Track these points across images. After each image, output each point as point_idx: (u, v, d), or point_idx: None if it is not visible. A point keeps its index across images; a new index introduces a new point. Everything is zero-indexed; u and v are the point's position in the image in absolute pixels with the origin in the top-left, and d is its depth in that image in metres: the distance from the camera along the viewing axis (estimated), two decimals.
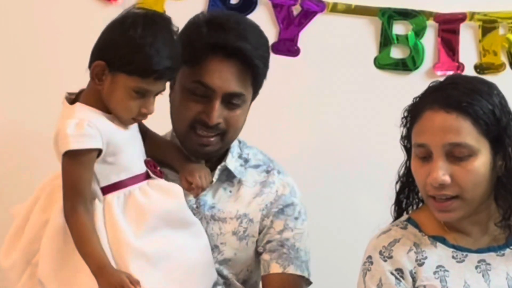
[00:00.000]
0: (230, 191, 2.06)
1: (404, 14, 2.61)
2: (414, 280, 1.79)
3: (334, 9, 2.60)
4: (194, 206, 2.03)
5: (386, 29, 2.61)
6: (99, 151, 1.85)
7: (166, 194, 1.93)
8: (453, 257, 1.81)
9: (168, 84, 1.96)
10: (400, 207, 1.92)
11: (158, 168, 1.97)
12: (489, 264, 1.81)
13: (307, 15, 2.62)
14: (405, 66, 2.63)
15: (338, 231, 2.61)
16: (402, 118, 1.86)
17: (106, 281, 1.80)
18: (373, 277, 1.80)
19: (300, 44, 2.63)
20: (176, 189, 1.94)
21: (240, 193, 2.06)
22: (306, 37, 2.63)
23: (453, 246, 1.82)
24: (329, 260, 2.52)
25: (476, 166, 1.74)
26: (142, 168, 1.93)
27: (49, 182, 1.95)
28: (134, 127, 1.95)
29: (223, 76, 1.95)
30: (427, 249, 1.81)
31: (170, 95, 2.06)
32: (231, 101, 1.98)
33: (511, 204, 1.78)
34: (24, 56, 2.56)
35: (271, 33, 2.60)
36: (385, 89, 2.63)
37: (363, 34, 2.62)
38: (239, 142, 2.12)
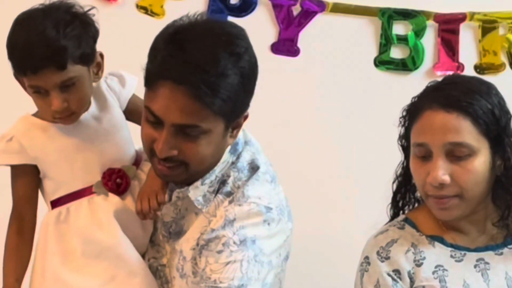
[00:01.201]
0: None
1: (404, 14, 2.61)
2: (412, 280, 1.78)
3: (334, 9, 2.61)
4: (166, 234, 1.90)
5: (386, 29, 2.62)
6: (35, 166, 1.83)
7: (94, 218, 1.83)
8: (451, 256, 1.81)
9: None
10: (396, 207, 1.92)
11: (118, 180, 1.86)
12: (487, 263, 1.80)
13: (307, 15, 2.62)
14: (405, 66, 2.63)
15: (337, 230, 2.61)
16: (400, 117, 1.86)
17: None
18: (371, 278, 1.79)
19: (300, 44, 2.63)
20: (111, 221, 1.83)
21: (197, 222, 1.84)
22: (306, 37, 2.64)
23: (451, 245, 1.81)
24: (327, 260, 2.52)
25: (476, 166, 1.74)
26: (88, 181, 1.85)
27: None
28: (99, 130, 1.87)
29: (172, 106, 1.69)
30: (425, 249, 1.80)
31: None
32: (186, 131, 1.72)
33: (509, 204, 1.78)
34: None
35: (271, 33, 2.61)
36: (385, 89, 2.63)
37: (363, 34, 2.63)
38: (236, 159, 1.87)
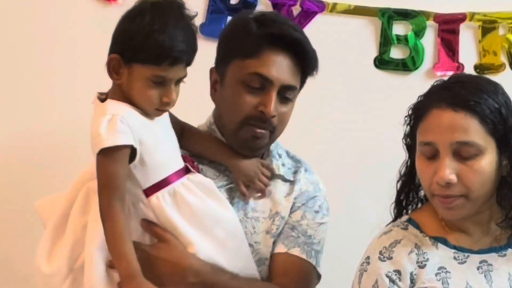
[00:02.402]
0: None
1: (404, 15, 2.61)
2: (412, 282, 1.78)
3: (334, 9, 2.60)
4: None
5: (386, 29, 2.61)
6: (133, 150, 1.81)
7: (205, 191, 1.90)
8: (454, 258, 1.80)
9: (209, 83, 1.99)
10: (400, 206, 1.92)
11: (195, 163, 1.95)
12: (490, 264, 1.80)
13: (307, 15, 2.62)
14: (405, 66, 2.63)
15: (339, 230, 2.61)
16: (406, 116, 1.86)
17: None
18: (369, 277, 1.79)
19: None
20: (225, 201, 1.93)
21: (272, 190, 2.04)
22: None
23: (454, 247, 1.81)
24: (329, 260, 2.51)
25: (483, 165, 1.74)
26: (180, 163, 1.91)
27: (83, 183, 1.90)
28: (166, 121, 1.92)
29: (280, 68, 1.95)
30: (428, 251, 1.80)
31: (214, 95, 2.04)
32: (285, 94, 1.98)
33: None
34: (22, 57, 2.55)
35: None
36: (385, 89, 2.63)
37: (363, 34, 2.62)
38: None
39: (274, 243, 2.01)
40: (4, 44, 2.56)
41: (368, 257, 1.82)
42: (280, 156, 2.11)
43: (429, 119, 1.77)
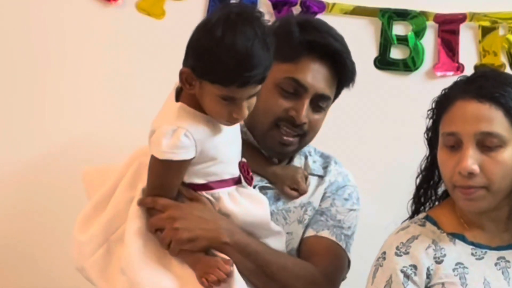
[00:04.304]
0: None
1: (404, 15, 2.61)
2: (428, 277, 1.77)
3: (334, 9, 2.60)
4: None
5: (386, 29, 2.61)
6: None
7: (254, 202, 1.91)
8: (472, 254, 1.80)
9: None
10: (418, 203, 1.92)
11: (251, 173, 1.93)
12: (508, 261, 1.80)
13: None
14: (405, 66, 2.62)
15: None
16: (429, 110, 1.86)
17: (203, 267, 1.80)
18: (384, 273, 1.79)
19: None
20: (263, 199, 1.93)
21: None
22: None
23: (472, 243, 1.81)
24: None
25: (505, 158, 1.75)
26: (233, 173, 1.89)
27: (136, 158, 1.91)
28: (235, 128, 1.90)
29: (316, 76, 1.98)
30: (446, 247, 1.80)
31: None
32: (318, 103, 2.00)
33: None
34: (22, 57, 2.55)
35: None
36: (385, 89, 2.63)
37: (363, 34, 2.62)
38: None
39: (304, 231, 2.02)
40: (2, 44, 2.55)
41: (384, 253, 1.82)
42: (310, 153, 2.14)
43: (453, 110, 1.78)
